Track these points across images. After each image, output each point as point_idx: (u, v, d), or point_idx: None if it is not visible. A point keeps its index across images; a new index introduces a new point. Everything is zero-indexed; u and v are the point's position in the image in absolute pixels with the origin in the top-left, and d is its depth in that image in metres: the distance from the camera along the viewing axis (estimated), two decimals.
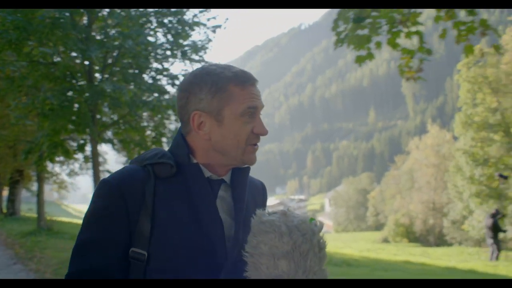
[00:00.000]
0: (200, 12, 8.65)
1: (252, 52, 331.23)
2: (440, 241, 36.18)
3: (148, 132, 9.71)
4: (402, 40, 3.78)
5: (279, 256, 1.05)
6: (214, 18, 8.82)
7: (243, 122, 1.23)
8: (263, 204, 1.43)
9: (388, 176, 51.49)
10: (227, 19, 9.03)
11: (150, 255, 1.16)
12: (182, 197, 1.21)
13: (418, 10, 3.47)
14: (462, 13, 3.62)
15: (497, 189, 26.65)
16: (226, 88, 1.22)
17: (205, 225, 1.20)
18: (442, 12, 3.51)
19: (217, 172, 1.28)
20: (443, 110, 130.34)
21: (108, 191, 1.18)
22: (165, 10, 8.24)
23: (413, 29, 3.54)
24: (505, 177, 15.26)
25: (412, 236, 39.01)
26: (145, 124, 9.74)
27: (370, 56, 3.89)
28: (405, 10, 3.38)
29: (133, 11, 8.10)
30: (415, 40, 3.77)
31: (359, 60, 3.95)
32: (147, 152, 1.29)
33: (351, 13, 3.49)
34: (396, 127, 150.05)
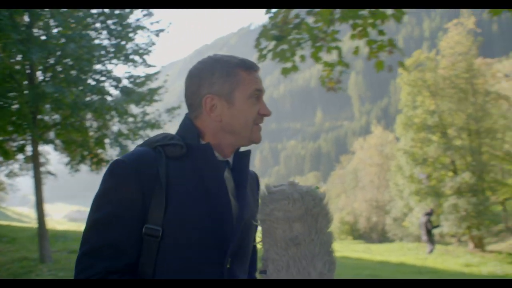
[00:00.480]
0: (144, 16, 8.73)
1: (201, 51, 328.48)
2: (383, 237, 37.51)
3: (91, 133, 9.63)
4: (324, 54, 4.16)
5: (293, 219, 1.16)
6: (157, 22, 8.92)
7: (251, 104, 1.36)
8: (257, 191, 1.53)
9: (334, 176, 52.89)
10: (170, 23, 9.13)
11: (164, 231, 1.22)
12: (193, 176, 1.30)
13: (337, 28, 3.87)
14: (373, 33, 4.07)
15: (434, 187, 28.04)
16: (236, 72, 1.35)
17: (215, 202, 1.30)
18: (356, 31, 3.93)
19: (224, 153, 1.39)
20: (387, 112, 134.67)
21: (123, 170, 1.25)
22: (108, 12, 8.23)
23: (333, 44, 3.92)
24: (428, 176, 16.96)
25: (356, 234, 40.23)
26: (88, 125, 9.65)
27: (294, 68, 4.22)
28: (325, 28, 3.76)
29: (76, 11, 8.03)
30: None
31: (285, 72, 4.27)
32: (156, 136, 1.37)
33: (273, 31, 3.80)
34: (342, 127, 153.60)
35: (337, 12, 3.93)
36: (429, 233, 15.39)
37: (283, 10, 3.91)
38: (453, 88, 28.94)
